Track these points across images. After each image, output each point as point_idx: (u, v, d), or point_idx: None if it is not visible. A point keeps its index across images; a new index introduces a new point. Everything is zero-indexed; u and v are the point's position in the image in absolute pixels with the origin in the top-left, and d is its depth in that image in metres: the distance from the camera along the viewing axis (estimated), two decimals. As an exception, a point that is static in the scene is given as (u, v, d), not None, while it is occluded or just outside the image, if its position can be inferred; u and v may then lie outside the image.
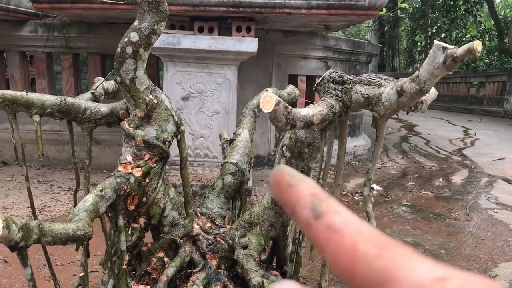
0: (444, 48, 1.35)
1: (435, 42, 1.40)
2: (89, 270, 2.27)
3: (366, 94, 1.53)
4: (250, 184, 4.70)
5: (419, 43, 22.93)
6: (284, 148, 1.99)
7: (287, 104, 1.47)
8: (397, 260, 0.25)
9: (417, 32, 22.33)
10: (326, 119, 1.55)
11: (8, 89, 2.44)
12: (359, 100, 1.55)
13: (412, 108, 1.68)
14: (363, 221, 0.28)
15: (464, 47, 1.28)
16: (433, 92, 1.75)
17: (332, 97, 1.60)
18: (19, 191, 4.58)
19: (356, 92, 1.56)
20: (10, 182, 4.92)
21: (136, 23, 1.85)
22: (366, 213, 1.64)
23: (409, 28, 23.82)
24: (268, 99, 1.44)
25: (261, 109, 1.46)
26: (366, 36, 24.15)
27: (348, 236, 0.27)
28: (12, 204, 4.17)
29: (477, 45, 1.27)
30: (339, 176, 1.75)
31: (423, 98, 1.68)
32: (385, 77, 1.58)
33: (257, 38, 4.39)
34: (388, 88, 1.50)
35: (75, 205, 2.15)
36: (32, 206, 2.18)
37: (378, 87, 1.53)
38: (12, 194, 4.47)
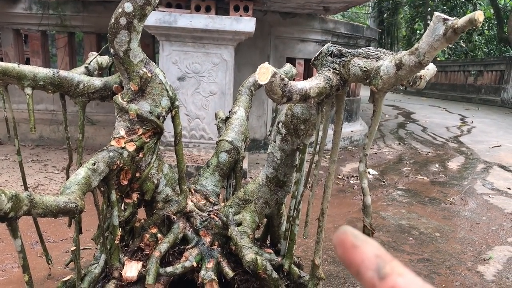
0: (444, 20, 1.32)
1: (435, 13, 1.36)
2: (82, 247, 2.25)
3: (364, 67, 1.50)
4: (245, 166, 4.68)
5: (418, 31, 22.81)
6: (280, 125, 1.97)
7: (284, 76, 1.44)
8: None
9: (416, 20, 22.21)
10: (323, 92, 1.52)
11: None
12: (357, 73, 1.52)
13: (411, 83, 1.65)
14: (426, 283, 0.29)
15: (466, 18, 1.25)
16: (432, 68, 1.72)
17: (330, 70, 1.57)
18: (13, 170, 4.54)
19: (354, 65, 1.53)
20: (4, 161, 4.88)
21: (130, -7, 1.80)
22: (361, 189, 1.62)
23: (408, 16, 23.68)
24: (264, 71, 1.41)
25: (257, 81, 1.43)
26: (365, 23, 23.97)
27: None
28: (6, 182, 4.14)
29: (479, 15, 1.24)
30: (335, 152, 1.72)
31: (421, 73, 1.65)
32: (384, 50, 1.55)
33: (254, 18, 4.32)
34: (386, 61, 1.47)
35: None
36: (24, 180, 2.16)
37: (377, 60, 1.50)
38: (6, 173, 4.43)
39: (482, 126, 9.59)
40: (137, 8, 1.79)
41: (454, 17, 1.32)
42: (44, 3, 5.55)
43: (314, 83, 1.52)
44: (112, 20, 1.80)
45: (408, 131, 8.72)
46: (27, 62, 6.86)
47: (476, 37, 19.56)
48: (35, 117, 2.03)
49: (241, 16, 4.37)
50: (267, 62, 1.49)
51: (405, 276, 0.29)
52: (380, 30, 10.91)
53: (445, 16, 1.33)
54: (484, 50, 19.54)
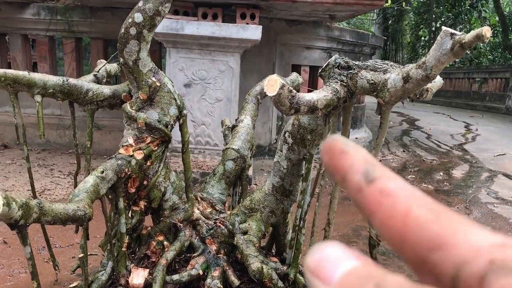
0: (452, 34, 1.33)
1: (443, 28, 1.38)
2: (89, 253, 2.27)
3: (372, 79, 1.52)
4: (250, 173, 4.69)
5: (422, 38, 22.82)
6: (286, 134, 1.98)
7: (292, 88, 1.46)
8: (452, 225, 0.24)
9: (421, 26, 22.21)
10: (330, 104, 1.54)
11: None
12: (364, 86, 1.54)
13: (417, 96, 1.66)
14: (416, 189, 0.27)
15: (473, 33, 1.27)
16: (438, 81, 1.73)
17: (337, 82, 1.58)
18: (19, 174, 4.57)
19: (362, 78, 1.54)
20: (11, 165, 4.92)
21: (140, 3, 1.83)
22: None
23: (413, 22, 23.68)
24: (272, 83, 1.43)
25: (265, 93, 1.45)
26: (370, 29, 23.99)
27: (402, 200, 0.26)
28: (12, 186, 4.17)
29: (486, 31, 1.25)
30: (341, 163, 1.73)
31: (428, 86, 1.66)
32: (391, 63, 1.57)
33: (261, 26, 4.35)
34: (394, 74, 1.48)
35: (75, 187, 2.14)
36: (33, 187, 2.18)
37: (384, 73, 1.51)
38: (12, 177, 4.47)
39: (486, 134, 9.58)
40: (147, 18, 1.82)
41: (462, 32, 1.34)
42: (52, 9, 5.60)
43: (321, 95, 1.54)
44: (122, 30, 1.83)
45: (412, 138, 8.71)
46: (34, 66, 6.91)
47: (481, 44, 19.54)
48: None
49: (247, 24, 4.40)
50: (275, 74, 1.51)
51: (395, 180, 0.27)
52: (385, 38, 10.93)
53: (453, 31, 1.34)
54: (489, 57, 19.52)
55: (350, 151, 0.29)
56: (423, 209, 0.26)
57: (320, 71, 1.71)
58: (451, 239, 0.24)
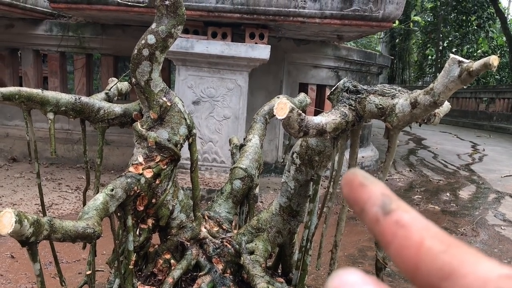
0: (459, 62, 1.36)
1: (451, 55, 1.40)
2: (95, 269, 2.28)
3: (380, 104, 1.54)
4: (256, 190, 4.70)
5: (429, 57, 22.92)
6: (294, 155, 2.00)
7: (301, 112, 1.48)
8: (462, 256, 0.26)
9: (428, 45, 22.32)
10: (339, 127, 1.56)
11: (21, 86, 2.48)
12: (373, 110, 1.56)
13: (425, 120, 1.68)
14: (430, 222, 0.29)
15: (481, 62, 1.29)
16: (446, 105, 1.75)
17: (346, 106, 1.61)
18: (27, 188, 4.61)
19: (370, 102, 1.57)
20: (19, 179, 4.96)
21: (153, 26, 1.87)
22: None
23: (420, 42, 23.82)
24: (282, 106, 1.45)
25: (275, 115, 1.47)
26: (377, 48, 24.15)
27: (415, 231, 0.28)
28: (20, 200, 4.20)
29: (494, 60, 1.27)
30: (349, 185, 1.74)
31: (436, 110, 1.68)
32: (399, 88, 1.59)
33: (269, 45, 4.41)
34: (402, 100, 1.50)
35: (84, 203, 2.17)
36: (42, 203, 2.20)
37: (392, 98, 1.54)
38: (21, 191, 4.50)
39: (493, 154, 9.54)
40: (159, 40, 1.86)
41: (469, 60, 1.36)
42: (65, 25, 5.71)
43: (330, 119, 1.56)
44: (135, 51, 1.87)
45: (419, 157, 8.70)
46: (45, 81, 7.01)
47: (488, 64, 19.53)
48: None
49: (256, 43, 4.46)
50: (285, 97, 1.54)
51: (410, 212, 0.29)
52: (392, 57, 10.97)
53: (460, 59, 1.37)
54: (496, 77, 19.53)
55: (368, 184, 0.31)
56: (435, 240, 0.27)
57: (328, 94, 1.73)
58: (461, 269, 0.26)
